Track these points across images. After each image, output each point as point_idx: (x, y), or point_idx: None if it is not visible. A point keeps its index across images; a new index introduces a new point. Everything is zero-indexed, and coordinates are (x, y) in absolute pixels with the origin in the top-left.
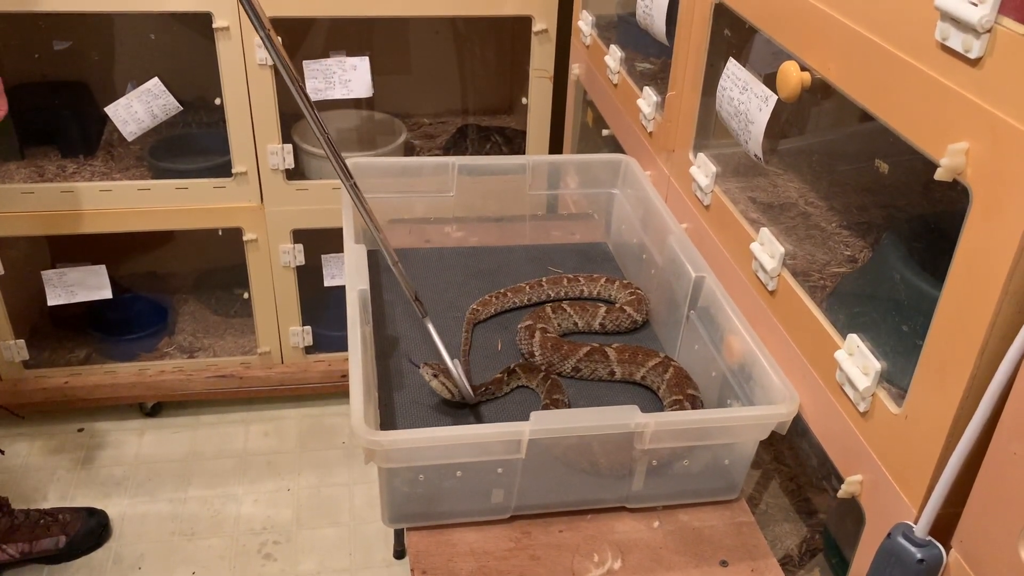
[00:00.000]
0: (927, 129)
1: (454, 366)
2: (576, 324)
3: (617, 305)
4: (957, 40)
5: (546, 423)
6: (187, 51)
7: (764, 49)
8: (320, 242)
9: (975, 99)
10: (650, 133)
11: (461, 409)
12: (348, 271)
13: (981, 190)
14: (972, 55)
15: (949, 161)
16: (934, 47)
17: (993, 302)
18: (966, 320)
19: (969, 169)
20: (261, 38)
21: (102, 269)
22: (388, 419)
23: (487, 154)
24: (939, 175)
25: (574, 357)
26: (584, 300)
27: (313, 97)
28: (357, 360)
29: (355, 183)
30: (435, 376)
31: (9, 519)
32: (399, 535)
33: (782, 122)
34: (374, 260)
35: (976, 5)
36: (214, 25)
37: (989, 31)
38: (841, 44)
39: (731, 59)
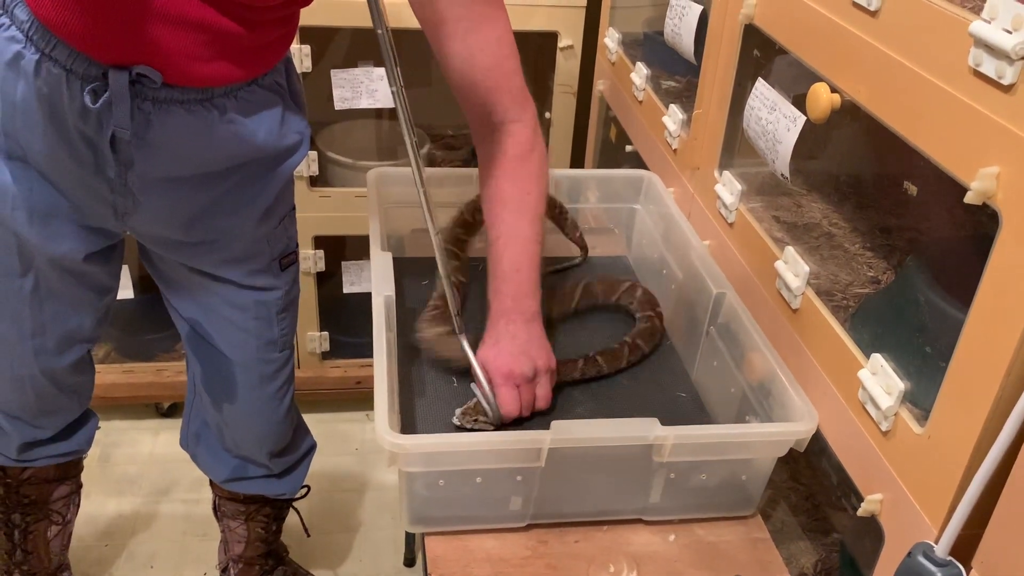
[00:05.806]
0: (958, 153)
1: (480, 378)
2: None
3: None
4: (990, 66)
5: (566, 432)
6: None
7: (791, 71)
8: (341, 249)
9: (1007, 124)
10: (675, 150)
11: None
12: (375, 278)
13: (1011, 214)
14: (1005, 81)
15: (980, 185)
16: (967, 72)
17: (1021, 325)
18: (993, 342)
19: (1000, 193)
20: None
21: (124, 269)
22: (408, 424)
23: None
24: (969, 198)
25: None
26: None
27: (339, 106)
28: (382, 365)
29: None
30: (475, 420)
31: None
32: (410, 543)
33: (809, 143)
34: (397, 268)
35: (1011, 33)
36: None
37: (1023, 59)
38: (873, 67)
39: (760, 79)
